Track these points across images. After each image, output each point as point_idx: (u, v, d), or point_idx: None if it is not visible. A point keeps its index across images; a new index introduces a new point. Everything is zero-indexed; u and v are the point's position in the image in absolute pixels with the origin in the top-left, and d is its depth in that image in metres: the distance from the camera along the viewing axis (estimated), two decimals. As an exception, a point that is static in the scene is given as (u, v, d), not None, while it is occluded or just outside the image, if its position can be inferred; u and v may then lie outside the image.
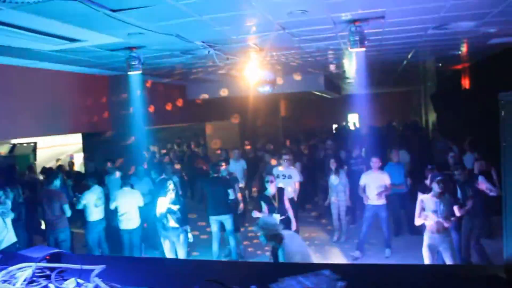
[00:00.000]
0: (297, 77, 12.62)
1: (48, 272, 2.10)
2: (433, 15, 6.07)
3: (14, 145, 12.53)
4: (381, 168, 8.19)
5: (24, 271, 2.03)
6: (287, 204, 7.26)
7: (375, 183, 7.97)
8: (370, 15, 5.81)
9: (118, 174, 9.04)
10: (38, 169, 11.52)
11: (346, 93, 21.85)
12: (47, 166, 12.68)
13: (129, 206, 7.91)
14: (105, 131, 10.44)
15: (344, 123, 24.80)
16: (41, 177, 10.83)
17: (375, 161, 8.08)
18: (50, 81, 8.80)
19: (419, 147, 12.36)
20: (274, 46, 7.72)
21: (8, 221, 6.68)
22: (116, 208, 7.96)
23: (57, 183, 8.00)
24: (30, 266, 2.05)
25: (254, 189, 9.48)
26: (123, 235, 8.04)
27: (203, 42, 6.91)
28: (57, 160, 12.12)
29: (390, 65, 11.95)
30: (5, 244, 6.68)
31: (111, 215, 8.30)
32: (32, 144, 12.43)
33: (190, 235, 7.32)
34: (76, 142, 14.10)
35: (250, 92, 12.76)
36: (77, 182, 9.74)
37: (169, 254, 7.31)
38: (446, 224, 5.91)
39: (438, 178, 6.04)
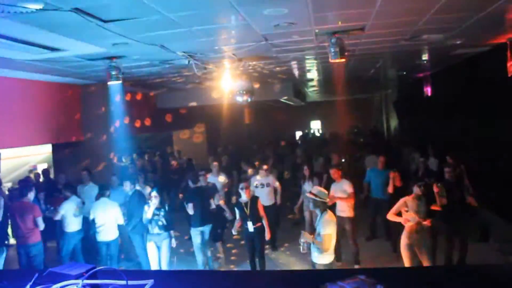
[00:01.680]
0: (267, 85, 12.82)
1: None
2: (408, 28, 6.37)
3: (-24, 156, 11.98)
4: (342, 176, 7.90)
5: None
6: (262, 213, 7.33)
7: (337, 194, 7.73)
8: (351, 28, 6.03)
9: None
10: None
11: (310, 100, 22.26)
12: (10, 177, 12.28)
13: (106, 218, 7.76)
14: (76, 142, 10.24)
15: (307, 131, 25.23)
16: (6, 189, 10.46)
17: (333, 172, 7.86)
18: (20, 90, 8.56)
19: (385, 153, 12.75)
20: (251, 55, 7.85)
21: None
22: (92, 219, 7.82)
23: (31, 195, 7.77)
24: (76, 284, 2.05)
25: (234, 198, 9.49)
26: (100, 247, 7.88)
27: (184, 52, 6.96)
28: (30, 171, 11.71)
29: (358, 73, 12.30)
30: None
31: (86, 225, 8.15)
32: (-5, 155, 11.94)
33: (173, 241, 7.37)
34: (39, 153, 13.69)
35: (217, 101, 12.89)
36: (49, 194, 9.46)
37: (152, 258, 7.30)
38: (426, 224, 6.21)
39: (420, 182, 6.37)
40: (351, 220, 7.70)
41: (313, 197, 5.48)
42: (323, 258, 5.40)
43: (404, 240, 6.40)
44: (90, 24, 4.71)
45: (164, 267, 7.24)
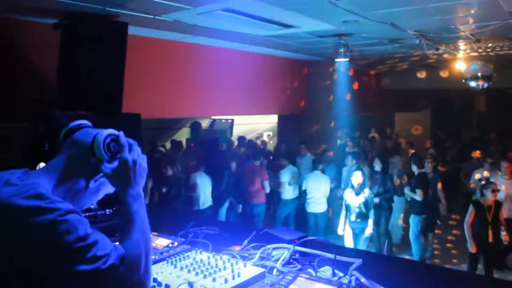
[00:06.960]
0: (508, 70, 11.37)
1: (297, 256, 2.19)
2: None
3: (214, 120, 13.52)
4: None
5: (281, 251, 2.15)
6: (503, 223, 6.43)
7: None
8: None
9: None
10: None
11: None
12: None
13: (317, 190, 8.04)
14: (300, 114, 10.79)
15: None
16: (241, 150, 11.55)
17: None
18: (250, 63, 9.17)
19: None
20: (493, 36, 7.02)
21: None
22: (304, 190, 8.19)
23: (260, 160, 8.53)
24: (288, 248, 2.16)
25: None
26: (309, 218, 8.23)
27: (416, 31, 6.60)
28: (257, 138, 12.85)
29: None
30: (206, 205, 7.60)
31: (300, 195, 8.58)
32: (229, 121, 13.33)
33: (368, 230, 6.93)
34: (267, 122, 14.80)
35: (445, 85, 11.99)
36: (271, 161, 10.23)
37: (347, 244, 7.18)
38: None
39: None
40: None
41: None
42: None
43: None
44: (323, 1, 4.80)
45: None
